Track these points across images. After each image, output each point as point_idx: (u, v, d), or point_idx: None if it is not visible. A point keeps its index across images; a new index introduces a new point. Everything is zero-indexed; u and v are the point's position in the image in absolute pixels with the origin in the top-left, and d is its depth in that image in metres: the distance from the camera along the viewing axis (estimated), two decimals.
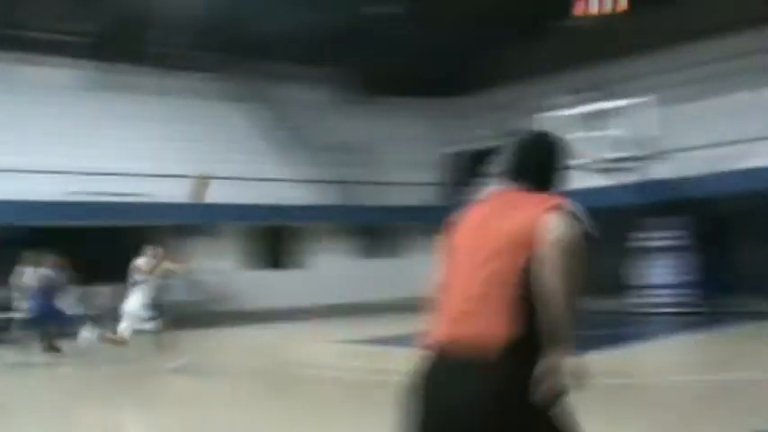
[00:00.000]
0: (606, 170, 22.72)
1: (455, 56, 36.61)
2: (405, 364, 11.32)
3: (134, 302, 14.45)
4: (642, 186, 23.09)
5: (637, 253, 23.40)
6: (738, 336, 15.58)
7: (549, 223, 3.51)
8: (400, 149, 34.47)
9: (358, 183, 31.37)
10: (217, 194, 27.02)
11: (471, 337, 3.40)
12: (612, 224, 28.19)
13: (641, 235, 23.36)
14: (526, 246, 3.49)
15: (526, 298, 3.43)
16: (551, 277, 3.41)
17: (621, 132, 21.64)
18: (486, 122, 34.81)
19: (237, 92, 33.34)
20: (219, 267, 26.66)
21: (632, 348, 15.49)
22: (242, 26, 31.19)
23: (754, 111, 25.61)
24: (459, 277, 3.72)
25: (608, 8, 30.04)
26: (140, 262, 14.61)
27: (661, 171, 23.44)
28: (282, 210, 28.66)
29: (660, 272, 22.88)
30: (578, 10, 30.13)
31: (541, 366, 3.35)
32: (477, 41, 34.96)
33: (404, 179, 32.76)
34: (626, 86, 27.53)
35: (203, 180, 15.89)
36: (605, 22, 30.51)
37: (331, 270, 29.89)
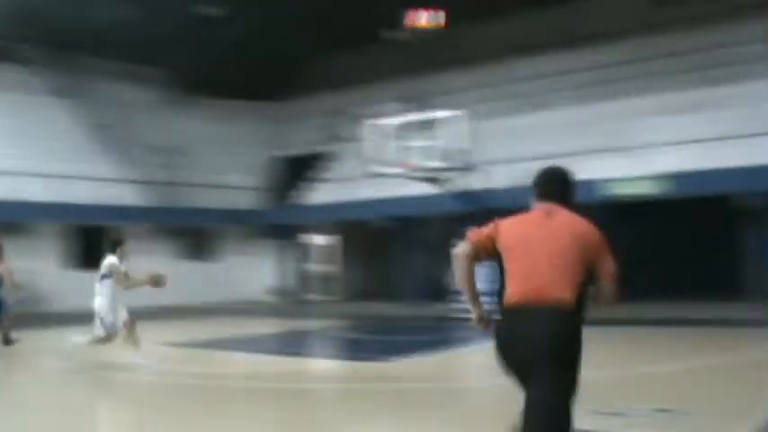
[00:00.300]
0: (427, 179, 23.25)
1: (284, 60, 36.68)
2: (222, 366, 11.23)
3: None
4: (459, 196, 23.78)
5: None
6: None
7: (592, 229, 5.54)
8: (225, 152, 34.26)
9: (180, 185, 30.91)
10: (34, 192, 26.28)
11: (552, 297, 5.30)
12: (437, 231, 29.08)
13: (455, 243, 24.05)
14: (583, 245, 5.46)
15: (582, 277, 5.41)
16: (609, 262, 5.50)
17: (439, 143, 22.21)
18: (312, 127, 35.11)
19: (59, 87, 32.36)
20: (36, 267, 25.82)
21: (444, 354, 15.83)
22: (66, 20, 30.32)
23: (563, 128, 26.93)
24: (538, 260, 5.47)
25: (435, 22, 30.74)
26: None
27: (476, 182, 24.21)
28: (102, 210, 27.99)
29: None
30: (409, 22, 30.73)
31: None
32: (307, 46, 35.13)
33: (228, 182, 32.59)
34: (445, 99, 28.38)
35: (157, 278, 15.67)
36: (430, 36, 31.26)
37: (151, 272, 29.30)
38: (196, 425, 9.50)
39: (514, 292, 5.57)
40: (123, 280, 13.93)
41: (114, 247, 14.70)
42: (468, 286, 6.05)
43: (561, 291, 5.34)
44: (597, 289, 5.53)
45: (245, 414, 10.11)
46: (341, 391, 12.37)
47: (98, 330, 13.53)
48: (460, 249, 5.99)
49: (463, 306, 19.38)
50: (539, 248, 5.54)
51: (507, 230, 5.84)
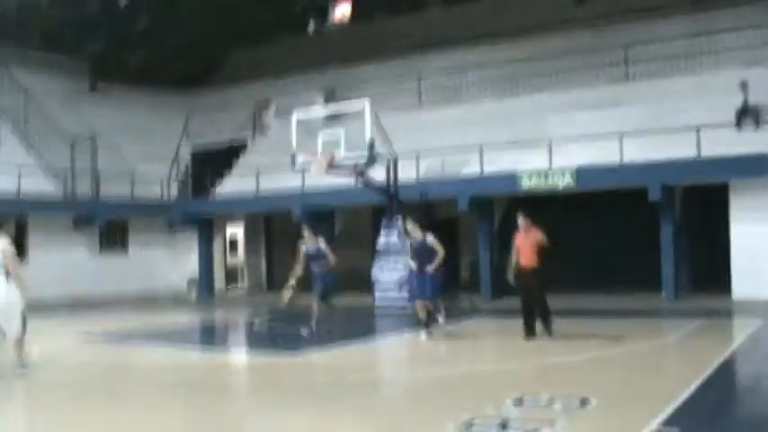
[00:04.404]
0: (341, 171, 23.26)
1: (206, 49, 36.45)
2: (131, 358, 11.11)
3: None
4: (371, 188, 23.88)
5: (376, 252, 24.20)
6: (456, 333, 16.38)
7: (540, 234, 14.79)
8: (142, 142, 33.90)
9: (96, 175, 30.43)
10: None
11: (530, 264, 14.60)
12: (358, 223, 29.17)
13: (380, 235, 24.17)
14: (536, 241, 14.67)
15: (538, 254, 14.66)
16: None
17: (351, 135, 22.30)
18: (230, 118, 34.93)
19: None
20: None
21: (356, 346, 15.88)
22: None
23: (481, 122, 27.29)
24: (525, 249, 14.73)
25: (349, 15, 30.76)
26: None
27: (387, 174, 24.37)
28: (10, 201, 27.31)
29: (387, 270, 23.87)
30: (335, 15, 30.72)
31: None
32: (224, 37, 34.96)
33: (145, 172, 32.18)
34: (358, 91, 28.58)
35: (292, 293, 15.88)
36: (346, 28, 31.32)
37: (62, 263, 28.89)
38: (100, 414, 9.53)
39: (519, 262, 14.73)
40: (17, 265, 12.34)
41: None
42: (509, 264, 15.03)
43: (532, 261, 14.51)
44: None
45: (150, 405, 10.09)
46: (252, 383, 12.40)
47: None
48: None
49: (380, 296, 19.49)
50: (524, 245, 14.63)
51: (518, 238, 14.82)
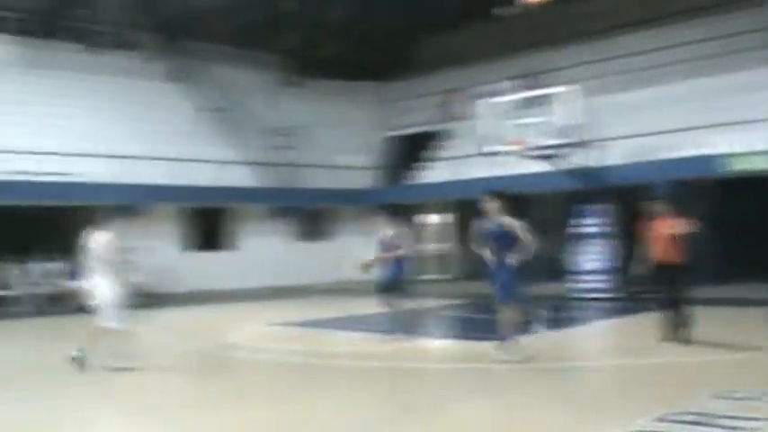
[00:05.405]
0: (541, 157, 23.00)
1: (396, 40, 36.73)
2: (339, 346, 11.33)
3: (108, 289, 12.09)
4: (574, 173, 23.47)
5: (572, 238, 23.79)
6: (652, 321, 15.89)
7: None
8: (339, 132, 34.51)
9: (295, 165, 31.28)
10: (154, 175, 26.93)
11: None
12: (552, 209, 28.71)
13: (574, 221, 23.74)
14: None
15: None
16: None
17: (553, 120, 21.94)
18: (426, 106, 35.01)
19: (175, 72, 33.03)
20: (155, 248, 26.46)
21: (558, 333, 15.71)
22: (178, 6, 31.00)
23: (680, 102, 26.20)
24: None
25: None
26: (102, 241, 12.17)
27: (590, 159, 23.85)
28: (220, 191, 28.54)
29: (589, 258, 23.33)
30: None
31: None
32: (418, 25, 35.13)
33: (342, 162, 32.81)
34: (557, 75, 28.00)
35: (366, 265, 15.59)
36: (540, 11, 30.85)
37: (266, 252, 29.89)
38: (302, 401, 9.65)
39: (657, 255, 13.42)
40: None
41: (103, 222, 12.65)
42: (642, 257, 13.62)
43: (673, 254, 13.26)
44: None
45: (353, 391, 10.19)
46: (451, 371, 12.35)
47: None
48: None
49: (581, 286, 18.97)
50: (662, 235, 13.33)
51: (653, 228, 13.43)
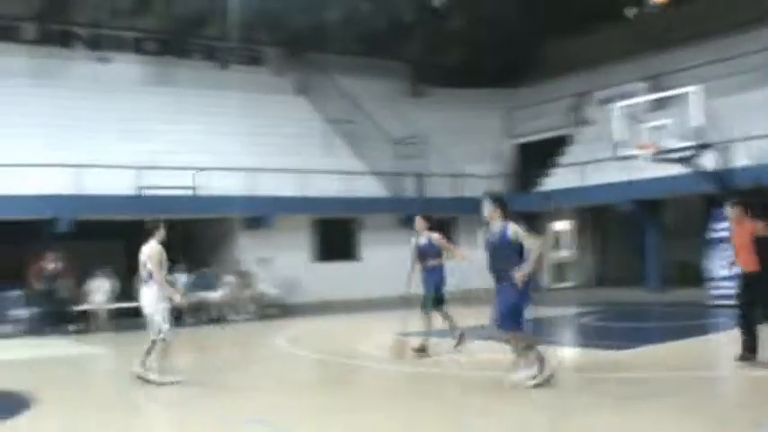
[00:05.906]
0: (671, 160, 22.33)
1: (520, 45, 36.42)
2: (472, 355, 10.94)
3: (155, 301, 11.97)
4: (701, 176, 22.72)
5: (708, 244, 23.01)
6: None
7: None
8: (464, 141, 34.32)
9: (422, 175, 31.20)
10: (280, 187, 27.25)
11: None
12: (688, 213, 27.90)
13: (711, 226, 22.94)
14: None
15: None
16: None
17: (678, 122, 21.31)
18: (552, 111, 34.51)
19: (299, 85, 33.44)
20: (287, 260, 26.76)
21: (689, 341, 15.19)
22: (303, 21, 31.41)
23: None
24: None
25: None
26: (148, 253, 11.99)
27: (721, 161, 23.10)
28: (345, 201, 28.67)
29: (721, 263, 22.45)
30: None
31: None
32: (542, 30, 34.77)
33: (468, 171, 32.56)
34: (681, 76, 27.20)
35: (400, 344, 14.95)
36: (664, 12, 30.07)
37: (392, 262, 29.71)
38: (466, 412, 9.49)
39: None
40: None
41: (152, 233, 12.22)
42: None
43: (751, 262, 11.70)
44: None
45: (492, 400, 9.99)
46: (581, 380, 12.04)
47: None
48: None
49: (714, 291, 18.05)
50: (740, 242, 12.02)
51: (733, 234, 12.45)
